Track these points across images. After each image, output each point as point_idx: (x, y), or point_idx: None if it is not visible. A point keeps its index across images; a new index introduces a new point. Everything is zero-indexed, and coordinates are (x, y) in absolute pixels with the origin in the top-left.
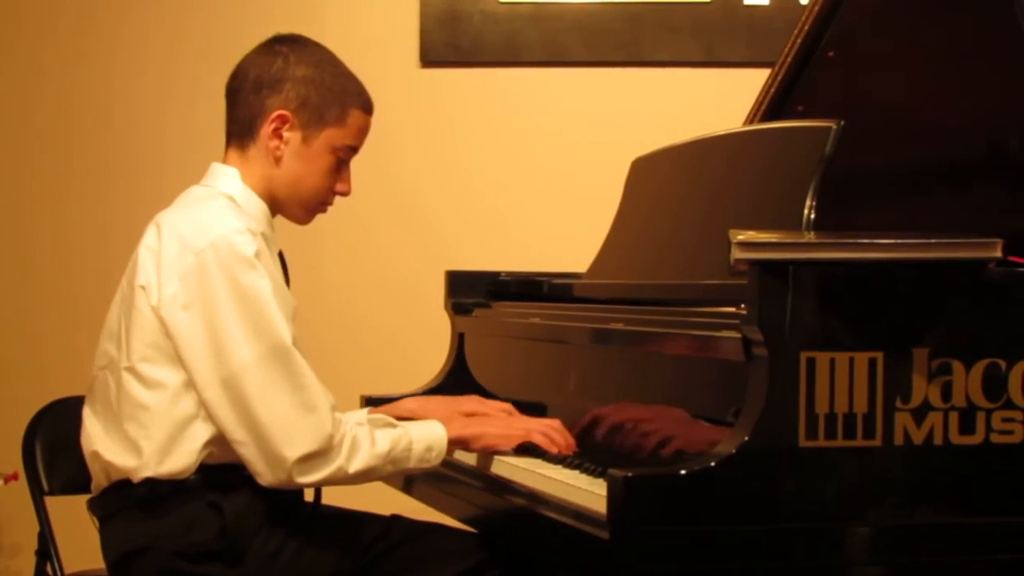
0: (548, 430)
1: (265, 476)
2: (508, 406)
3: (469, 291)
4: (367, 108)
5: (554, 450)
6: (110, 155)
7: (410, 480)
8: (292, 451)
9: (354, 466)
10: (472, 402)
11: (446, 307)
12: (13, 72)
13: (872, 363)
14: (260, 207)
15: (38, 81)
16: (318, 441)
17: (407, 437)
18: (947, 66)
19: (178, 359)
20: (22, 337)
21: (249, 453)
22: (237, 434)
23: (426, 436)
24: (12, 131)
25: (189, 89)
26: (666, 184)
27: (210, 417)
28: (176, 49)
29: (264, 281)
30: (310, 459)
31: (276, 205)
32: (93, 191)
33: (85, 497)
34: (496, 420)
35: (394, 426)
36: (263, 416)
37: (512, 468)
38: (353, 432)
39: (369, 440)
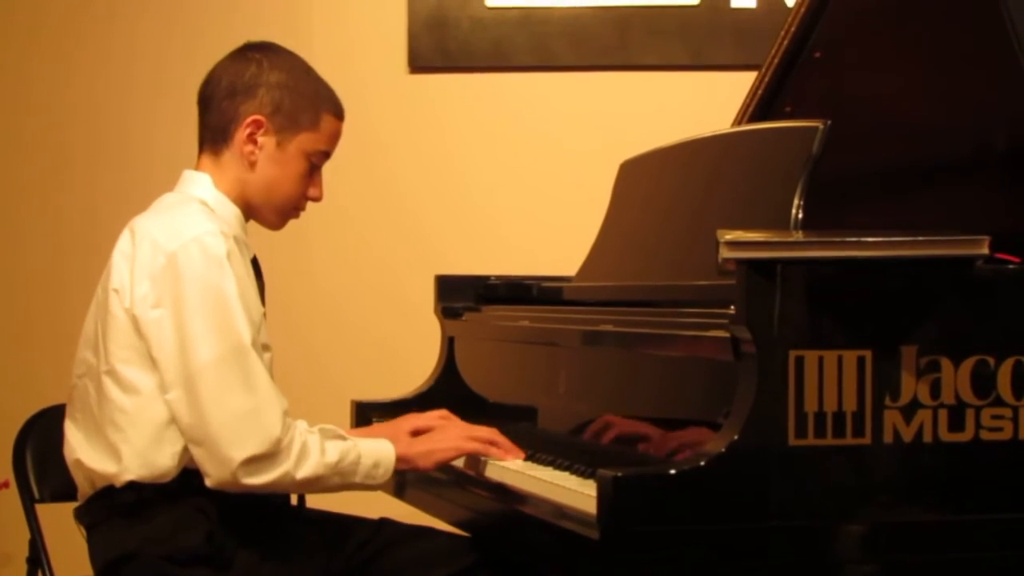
0: (493, 437)
1: (212, 476)
2: (444, 412)
3: (458, 295)
4: (339, 113)
5: (505, 457)
6: (101, 165)
7: (401, 484)
8: (238, 452)
9: (301, 472)
10: (408, 420)
11: (436, 311)
12: (2, 79)
13: (861, 361)
14: (233, 212)
15: (27, 90)
16: (265, 444)
17: (356, 451)
18: (934, 66)
19: (152, 361)
20: (12, 346)
21: (199, 454)
22: (191, 433)
23: (374, 452)
24: (2, 141)
25: (177, 96)
26: (654, 186)
27: (173, 418)
28: (164, 56)
29: (231, 282)
30: (256, 461)
31: (250, 210)
32: (84, 200)
33: (75, 505)
34: (441, 435)
35: (344, 439)
36: (214, 416)
37: (502, 470)
38: (303, 438)
39: (319, 449)
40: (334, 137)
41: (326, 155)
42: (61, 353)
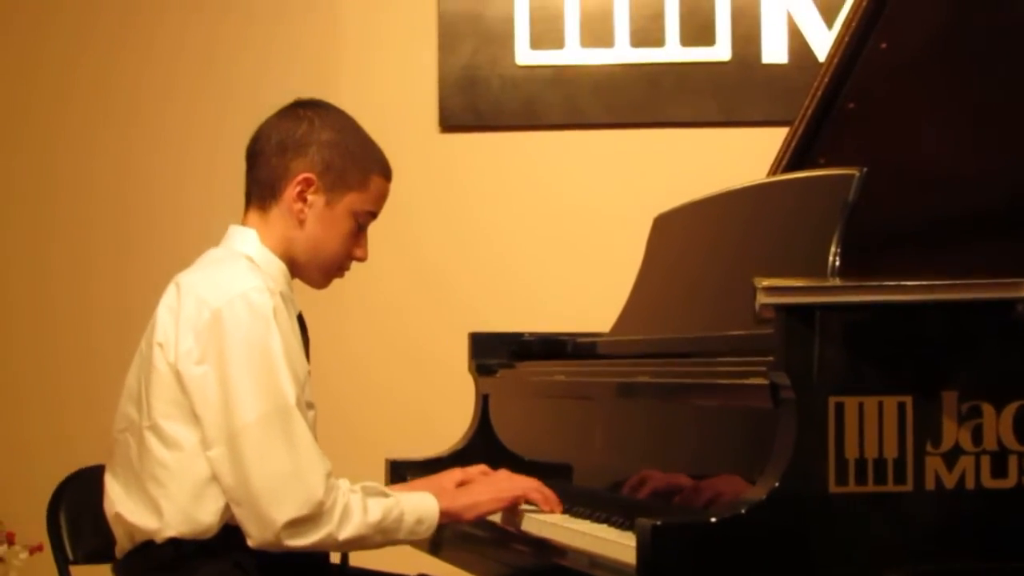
0: (539, 486)
1: (254, 537)
2: (484, 468)
3: (492, 352)
4: (387, 174)
5: (546, 508)
6: (130, 224)
7: (437, 543)
8: (281, 514)
9: (344, 533)
10: (451, 475)
11: (470, 368)
12: (31, 139)
13: (901, 407)
14: (279, 267)
15: (56, 147)
16: (308, 506)
17: (399, 508)
18: (969, 114)
19: (194, 416)
20: (45, 407)
21: (241, 514)
22: (234, 493)
23: (418, 508)
24: (32, 201)
25: (207, 156)
26: (689, 239)
27: (215, 476)
28: (193, 116)
29: (276, 340)
30: (299, 523)
31: (295, 268)
32: (114, 261)
33: (109, 567)
34: (483, 487)
35: (387, 495)
36: (257, 477)
37: (539, 524)
38: (346, 499)
39: (361, 508)
40: (382, 198)
41: (373, 215)
42: (93, 415)
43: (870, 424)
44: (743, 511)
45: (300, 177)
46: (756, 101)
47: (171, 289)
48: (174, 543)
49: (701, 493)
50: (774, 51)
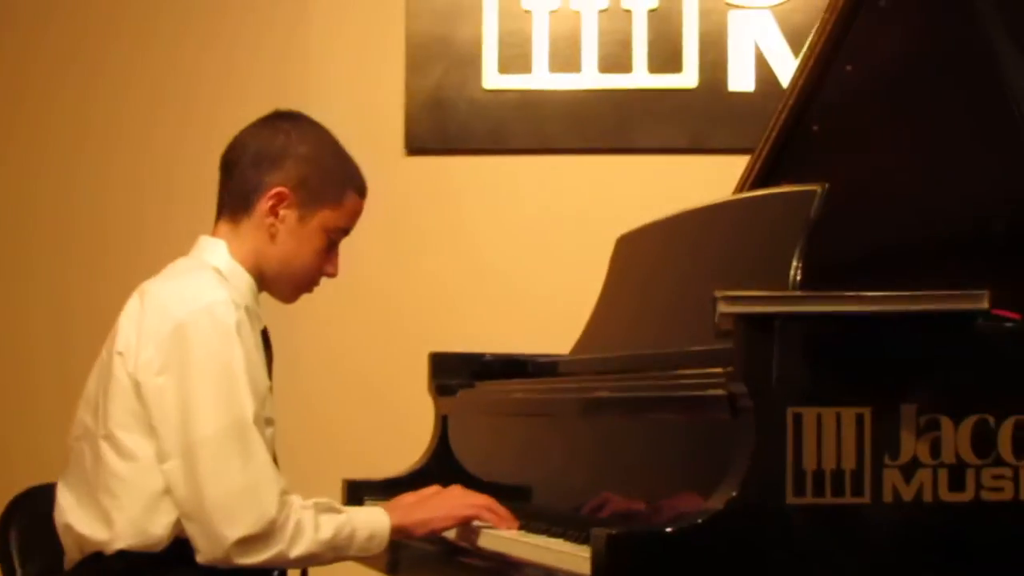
0: (492, 505)
1: (203, 553)
2: (436, 488)
3: (453, 373)
4: (362, 192)
5: (502, 526)
6: (109, 232)
7: (394, 563)
8: (233, 531)
9: (295, 551)
10: (407, 497)
11: (430, 389)
12: (14, 149)
13: (859, 419)
14: (246, 281)
15: (39, 158)
16: (260, 524)
17: (350, 525)
18: (933, 139)
19: (151, 428)
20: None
21: (192, 529)
22: (186, 507)
23: (369, 524)
24: (9, 211)
25: (172, 169)
26: (651, 258)
27: (168, 488)
28: (158, 132)
29: (238, 354)
30: (250, 541)
31: (264, 281)
32: (91, 270)
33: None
34: (436, 502)
35: (339, 512)
36: (210, 492)
37: (495, 539)
38: (298, 516)
39: (313, 526)
40: (355, 215)
41: (345, 232)
42: (45, 435)
43: (828, 435)
44: (699, 521)
45: (274, 191)
46: (722, 128)
47: (134, 297)
48: (124, 555)
49: (661, 511)
50: (741, 79)
